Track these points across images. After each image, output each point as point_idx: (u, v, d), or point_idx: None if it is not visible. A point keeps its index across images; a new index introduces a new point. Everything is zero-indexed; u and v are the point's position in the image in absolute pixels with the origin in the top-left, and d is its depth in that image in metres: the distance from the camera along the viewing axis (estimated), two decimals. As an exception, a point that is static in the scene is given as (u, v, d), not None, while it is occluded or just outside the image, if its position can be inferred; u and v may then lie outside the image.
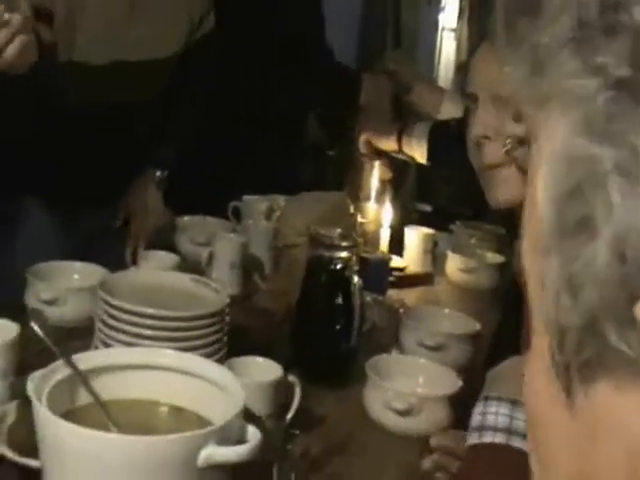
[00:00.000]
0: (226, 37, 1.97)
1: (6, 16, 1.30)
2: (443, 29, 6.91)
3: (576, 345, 0.36)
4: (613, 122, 0.34)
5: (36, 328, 1.02)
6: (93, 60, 1.68)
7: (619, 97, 0.33)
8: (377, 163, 2.18)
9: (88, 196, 1.78)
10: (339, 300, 1.43)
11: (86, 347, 1.23)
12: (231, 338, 1.33)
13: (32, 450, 0.98)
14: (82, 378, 0.98)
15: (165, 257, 1.67)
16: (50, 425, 0.88)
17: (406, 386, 1.35)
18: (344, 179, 2.30)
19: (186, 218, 2.00)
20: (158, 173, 1.92)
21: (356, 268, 1.45)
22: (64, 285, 1.46)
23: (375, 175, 2.18)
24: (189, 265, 1.73)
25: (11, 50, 1.31)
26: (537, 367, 0.40)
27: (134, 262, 1.76)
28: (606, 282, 0.34)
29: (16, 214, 1.74)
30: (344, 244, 1.46)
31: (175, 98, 1.89)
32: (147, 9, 1.73)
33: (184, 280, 1.38)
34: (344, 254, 1.45)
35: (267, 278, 1.85)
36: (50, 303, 1.40)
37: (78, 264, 1.55)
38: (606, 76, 0.34)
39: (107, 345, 1.23)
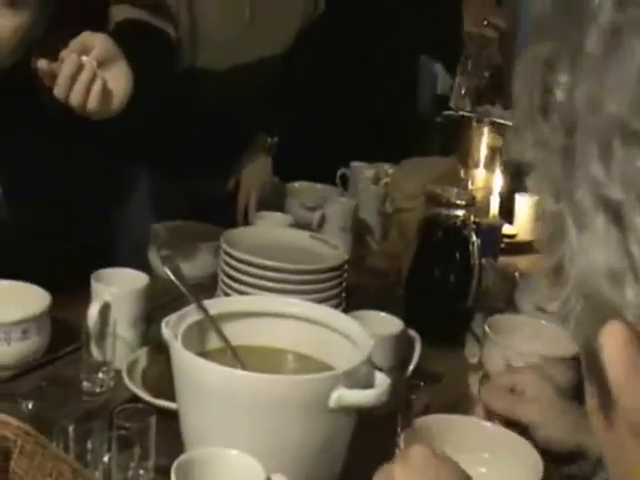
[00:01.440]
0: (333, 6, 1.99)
1: (83, 58, 1.19)
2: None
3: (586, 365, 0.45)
4: (565, 182, 0.40)
5: (169, 273, 1.04)
6: (213, 67, 1.73)
7: (564, 161, 0.41)
8: (486, 130, 2.15)
9: (204, 162, 1.82)
10: (457, 258, 1.42)
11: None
12: (347, 297, 1.33)
13: (164, 392, 1.01)
14: (213, 322, 1.00)
15: (279, 217, 1.69)
16: (186, 363, 0.90)
17: (527, 346, 1.32)
18: (453, 146, 2.28)
19: (296, 184, 2.02)
20: (269, 140, 1.95)
21: (474, 227, 1.44)
22: (185, 243, 1.49)
23: (484, 142, 2.16)
24: (301, 227, 1.74)
25: (92, 101, 1.19)
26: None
27: (246, 223, 1.79)
28: (580, 318, 0.42)
29: (139, 177, 1.79)
30: (461, 202, 1.45)
31: (286, 70, 1.91)
32: (266, 14, 1.76)
33: (303, 237, 1.40)
34: (461, 212, 1.44)
35: (378, 242, 1.85)
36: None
37: (196, 224, 1.58)
38: (548, 146, 0.42)
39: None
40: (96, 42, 1.22)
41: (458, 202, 1.45)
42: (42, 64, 1.17)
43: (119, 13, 1.54)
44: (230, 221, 1.77)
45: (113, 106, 1.23)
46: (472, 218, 1.45)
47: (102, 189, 1.67)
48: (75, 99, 1.19)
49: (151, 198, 1.79)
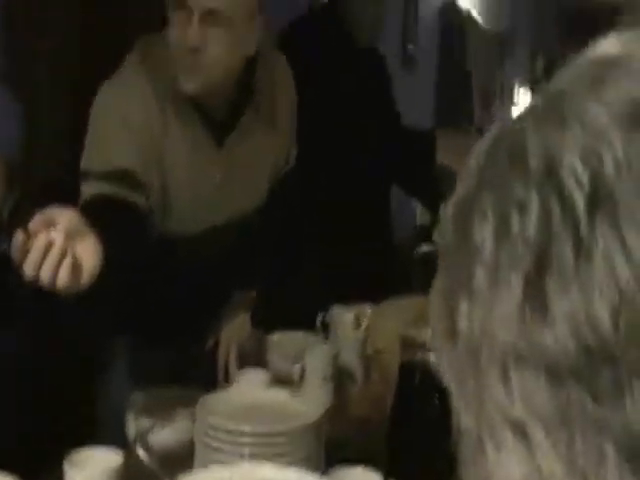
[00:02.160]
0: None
1: (52, 234, 1.19)
2: (521, 85, 7.03)
3: None
4: (476, 403, 0.44)
5: (141, 453, 1.03)
6: (185, 230, 1.75)
7: (475, 383, 0.44)
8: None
9: (182, 324, 1.83)
10: (436, 403, 1.41)
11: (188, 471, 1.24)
12: (329, 449, 1.32)
13: None
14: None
15: (257, 374, 1.69)
16: None
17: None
18: (432, 280, 2.29)
19: (276, 335, 2.02)
20: (247, 295, 1.96)
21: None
22: (163, 412, 1.48)
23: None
24: (282, 380, 1.73)
25: (61, 277, 1.20)
26: None
27: (227, 382, 1.78)
28: None
29: (116, 347, 1.79)
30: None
31: (260, 224, 1.93)
32: (237, 174, 1.78)
33: (280, 396, 1.39)
34: (436, 355, 1.44)
35: (360, 386, 1.84)
36: (150, 430, 1.42)
37: (176, 389, 1.57)
38: (460, 371, 0.45)
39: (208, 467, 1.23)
40: (62, 216, 1.23)
41: (432, 344, 1.46)
42: (18, 237, 1.19)
43: (89, 189, 1.57)
44: (211, 380, 1.77)
45: (82, 281, 1.24)
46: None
47: (79, 361, 1.68)
48: (45, 275, 1.19)
49: (130, 365, 1.79)
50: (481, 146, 0.46)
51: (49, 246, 1.19)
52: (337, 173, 2.38)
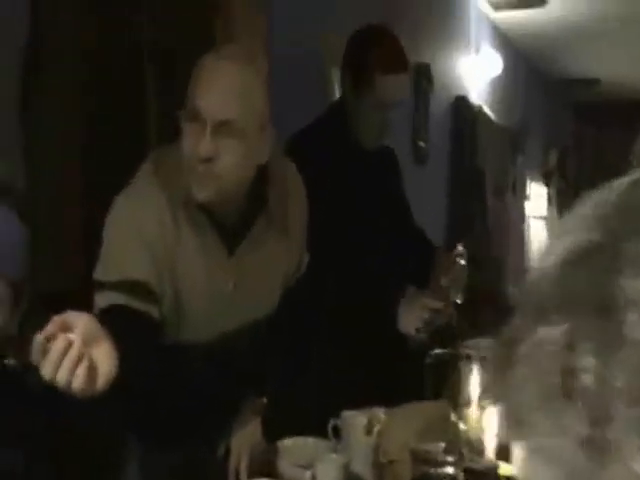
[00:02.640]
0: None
1: (70, 336, 1.23)
2: (529, 217, 7.07)
3: None
4: (595, 475, 0.40)
5: None
6: (197, 337, 1.74)
7: (591, 454, 0.40)
8: (476, 367, 2.14)
9: (193, 432, 1.80)
10: (449, 520, 1.38)
11: None
12: None
13: None
14: None
15: (268, 486, 1.65)
16: None
17: None
18: (443, 385, 2.27)
19: (286, 441, 1.98)
20: (258, 401, 1.93)
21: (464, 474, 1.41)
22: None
23: (474, 378, 2.14)
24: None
25: (78, 379, 1.23)
26: None
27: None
28: None
29: (126, 452, 1.77)
30: (449, 459, 1.43)
31: (271, 330, 1.92)
32: (250, 281, 1.78)
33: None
34: (450, 470, 1.42)
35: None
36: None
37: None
38: (569, 434, 0.40)
39: None
40: (79, 321, 1.26)
41: (446, 459, 1.43)
42: (38, 340, 1.21)
43: (103, 299, 1.58)
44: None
45: (97, 385, 1.27)
46: (461, 475, 1.43)
47: (89, 467, 1.66)
48: (62, 377, 1.22)
49: (140, 471, 1.76)
50: (602, 198, 0.44)
51: (67, 348, 1.22)
52: (347, 275, 2.37)
